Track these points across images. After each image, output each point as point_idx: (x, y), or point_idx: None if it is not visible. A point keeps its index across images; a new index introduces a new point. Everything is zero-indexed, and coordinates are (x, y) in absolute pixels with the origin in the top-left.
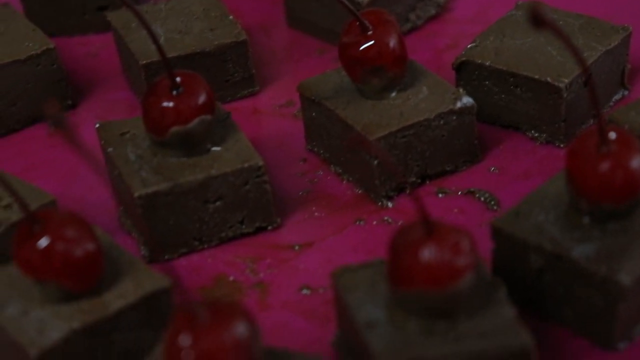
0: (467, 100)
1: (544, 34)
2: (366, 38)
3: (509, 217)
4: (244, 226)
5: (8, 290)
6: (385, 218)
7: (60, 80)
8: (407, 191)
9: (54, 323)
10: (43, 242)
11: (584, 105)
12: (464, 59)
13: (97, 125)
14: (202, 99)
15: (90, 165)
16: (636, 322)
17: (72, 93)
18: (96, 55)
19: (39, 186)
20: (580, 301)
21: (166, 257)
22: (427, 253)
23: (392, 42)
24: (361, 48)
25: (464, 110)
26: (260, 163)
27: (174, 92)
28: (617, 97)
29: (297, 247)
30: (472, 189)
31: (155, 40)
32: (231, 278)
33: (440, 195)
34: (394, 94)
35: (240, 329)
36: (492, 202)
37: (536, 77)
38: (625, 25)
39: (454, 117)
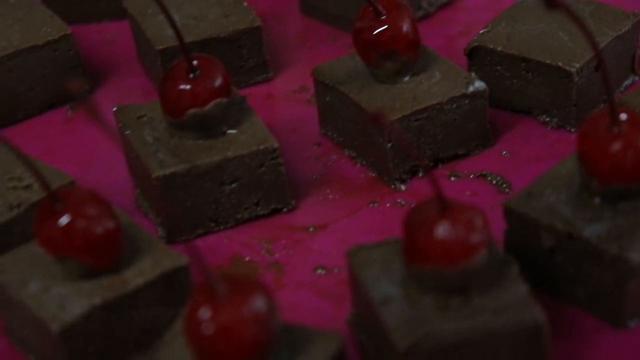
0: (479, 84)
1: (555, 20)
2: (380, 22)
3: (521, 197)
4: (259, 208)
5: (29, 268)
6: (399, 200)
7: (77, 66)
8: (420, 174)
9: (75, 299)
10: (64, 219)
11: (595, 89)
12: (476, 44)
13: (115, 109)
14: (218, 82)
15: (112, 141)
16: None
17: (88, 79)
18: (112, 42)
19: None
20: (591, 280)
21: (183, 238)
22: (442, 230)
23: (406, 26)
24: (375, 32)
25: (476, 94)
26: (276, 145)
27: (191, 75)
28: (627, 82)
29: (311, 229)
30: (484, 172)
31: (172, 23)
32: (247, 258)
33: (452, 178)
34: (407, 78)
35: (258, 303)
36: (504, 185)
37: (547, 61)
38: (636, 11)
39: (466, 101)
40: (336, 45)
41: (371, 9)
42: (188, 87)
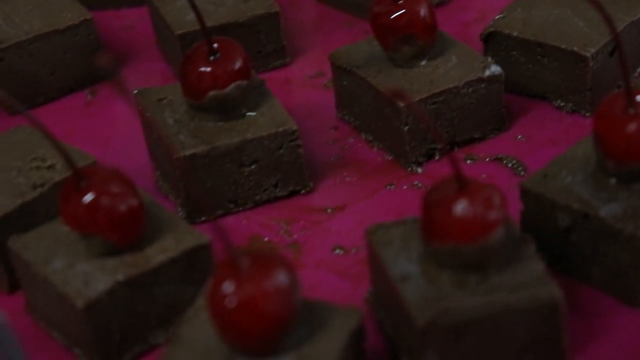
0: (495, 68)
1: (570, 5)
2: (397, 7)
3: (537, 178)
4: (277, 189)
5: (53, 245)
6: (415, 183)
7: (97, 50)
8: (437, 157)
9: (99, 276)
10: (89, 197)
11: (610, 75)
12: (492, 29)
13: (135, 92)
14: (238, 64)
15: (140, 114)
16: None
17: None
18: (131, 28)
19: None
20: (606, 259)
21: (203, 218)
22: (460, 207)
23: (423, 11)
24: (393, 16)
25: (492, 78)
26: (295, 127)
27: (212, 58)
28: None
29: (329, 210)
30: (499, 156)
31: (193, 4)
32: (266, 239)
33: (468, 161)
34: (424, 62)
35: (281, 277)
36: (520, 168)
37: (563, 46)
38: None
39: (482, 85)
40: (352, 32)
41: None
42: (209, 69)
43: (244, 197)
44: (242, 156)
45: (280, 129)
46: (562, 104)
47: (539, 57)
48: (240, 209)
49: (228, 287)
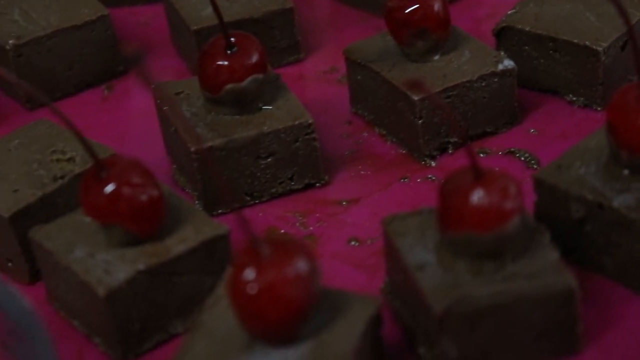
0: (508, 62)
1: (582, 0)
2: (411, 1)
3: (550, 169)
4: (293, 182)
5: (75, 235)
6: (429, 176)
7: (113, 46)
8: (450, 150)
9: (120, 265)
10: (110, 187)
11: (621, 69)
12: (504, 24)
13: (153, 86)
14: (255, 58)
15: (162, 103)
16: None
17: (123, 59)
18: (146, 25)
19: None
20: (619, 249)
21: (219, 211)
22: (477, 196)
23: (437, 5)
24: (407, 11)
25: (505, 72)
26: (310, 120)
27: (229, 52)
28: None
29: (344, 203)
30: (512, 149)
31: (213, 0)
32: (282, 231)
33: (481, 155)
34: (437, 57)
35: (301, 264)
36: (532, 162)
37: (575, 41)
38: None
39: (495, 79)
40: (365, 28)
41: None
42: (226, 63)
43: (260, 190)
44: (258, 149)
45: (297, 122)
46: (574, 98)
47: (551, 51)
48: (257, 201)
49: (249, 273)
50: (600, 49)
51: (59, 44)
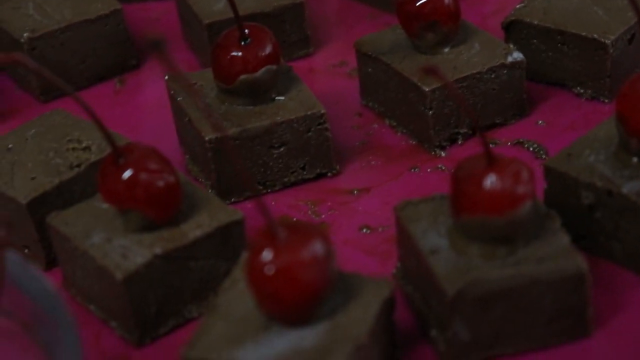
0: (517, 55)
1: None
2: None
3: (561, 157)
4: (305, 172)
5: (92, 221)
6: (439, 166)
7: (126, 40)
8: (460, 141)
9: (137, 250)
10: (127, 173)
11: (629, 61)
12: (513, 18)
13: (167, 77)
14: (268, 49)
15: (184, 88)
16: None
17: (136, 53)
18: (157, 20)
19: None
20: (628, 236)
21: (232, 199)
22: (489, 181)
23: None
24: (417, 4)
25: (515, 64)
26: (322, 111)
27: (243, 43)
28: None
29: (355, 192)
30: (521, 140)
31: None
32: (295, 219)
33: (491, 145)
34: (447, 49)
35: (318, 247)
36: (541, 152)
37: (583, 34)
38: None
39: (505, 71)
40: (374, 23)
41: None
42: (240, 53)
43: (273, 179)
44: (271, 139)
45: (309, 112)
46: (582, 90)
47: (559, 44)
48: (269, 190)
49: (267, 255)
50: (608, 41)
51: (73, 37)
